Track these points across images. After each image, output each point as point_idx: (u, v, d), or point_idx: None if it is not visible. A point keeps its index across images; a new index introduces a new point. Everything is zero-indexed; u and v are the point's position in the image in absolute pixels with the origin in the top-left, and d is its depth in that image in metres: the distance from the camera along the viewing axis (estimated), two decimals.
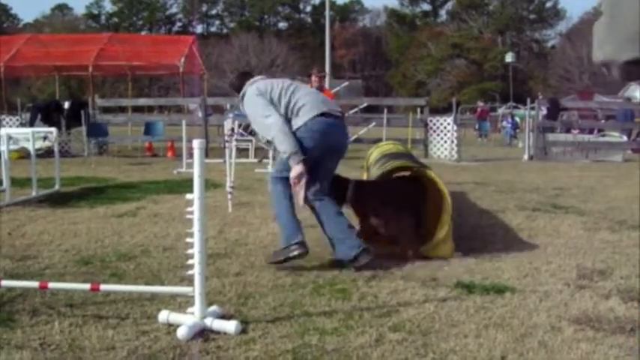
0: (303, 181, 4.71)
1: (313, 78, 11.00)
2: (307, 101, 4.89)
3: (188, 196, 3.46)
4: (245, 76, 5.24)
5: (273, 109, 4.81)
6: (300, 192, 4.76)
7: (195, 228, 3.44)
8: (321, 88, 10.14)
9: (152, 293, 4.00)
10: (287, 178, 4.78)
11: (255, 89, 4.93)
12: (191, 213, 3.46)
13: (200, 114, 18.21)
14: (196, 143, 3.45)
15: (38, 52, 20.94)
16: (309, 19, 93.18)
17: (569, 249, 5.59)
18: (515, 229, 6.52)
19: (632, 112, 21.18)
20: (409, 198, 5.39)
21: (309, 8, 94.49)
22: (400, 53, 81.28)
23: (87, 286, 3.78)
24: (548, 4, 79.16)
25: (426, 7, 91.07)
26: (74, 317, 3.63)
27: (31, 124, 16.62)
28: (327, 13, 26.48)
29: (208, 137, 16.96)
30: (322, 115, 4.85)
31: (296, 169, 4.66)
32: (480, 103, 35.97)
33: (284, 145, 4.70)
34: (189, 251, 3.49)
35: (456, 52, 73.54)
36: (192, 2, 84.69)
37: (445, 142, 16.94)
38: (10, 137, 8.64)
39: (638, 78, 1.21)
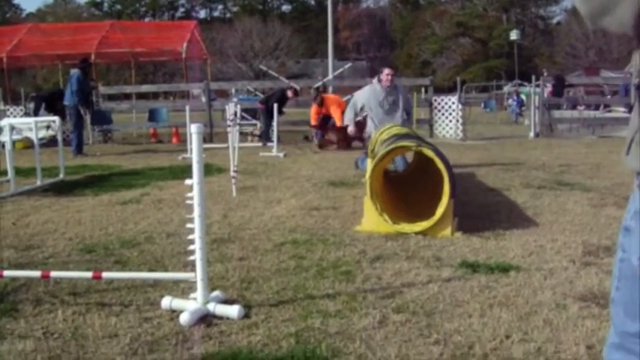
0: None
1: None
2: None
3: (187, 181, 3.43)
4: None
5: None
6: None
7: (196, 213, 3.41)
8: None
9: (155, 280, 3.99)
10: None
11: None
12: (191, 199, 3.43)
13: (204, 99, 18.14)
14: (194, 128, 3.40)
15: (40, 41, 20.82)
16: (313, 1, 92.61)
17: (575, 226, 5.56)
18: (521, 207, 6.48)
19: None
20: None
21: None
22: (404, 33, 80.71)
23: (89, 274, 3.77)
24: None
25: None
26: (77, 305, 3.63)
27: (36, 113, 16.59)
28: None
29: (213, 122, 16.90)
30: None
31: None
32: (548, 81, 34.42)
33: None
34: (191, 237, 3.46)
35: (461, 31, 72.93)
36: None
37: (450, 121, 16.84)
38: (13, 127, 8.63)
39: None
